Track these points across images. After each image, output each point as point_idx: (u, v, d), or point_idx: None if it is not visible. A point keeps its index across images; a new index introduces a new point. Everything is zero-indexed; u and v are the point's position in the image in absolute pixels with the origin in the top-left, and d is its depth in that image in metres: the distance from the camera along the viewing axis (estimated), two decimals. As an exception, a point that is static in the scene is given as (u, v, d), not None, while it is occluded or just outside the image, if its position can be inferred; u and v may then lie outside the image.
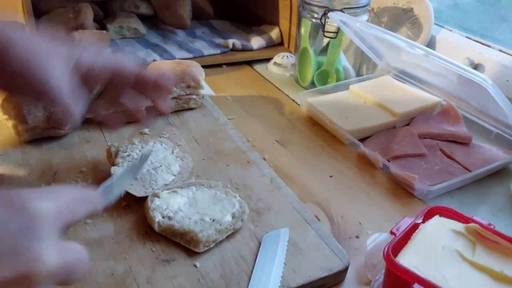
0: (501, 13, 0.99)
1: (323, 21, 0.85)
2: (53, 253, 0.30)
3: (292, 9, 1.06)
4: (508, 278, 0.43)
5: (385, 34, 0.73)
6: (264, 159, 0.69)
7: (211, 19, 1.24)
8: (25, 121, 0.65)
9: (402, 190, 0.66)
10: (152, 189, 0.56)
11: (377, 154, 0.69)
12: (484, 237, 0.48)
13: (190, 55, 1.01)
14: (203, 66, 0.85)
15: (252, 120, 0.82)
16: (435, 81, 0.87)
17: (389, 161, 0.69)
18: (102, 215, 0.54)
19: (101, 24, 1.10)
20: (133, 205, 0.55)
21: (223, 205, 0.54)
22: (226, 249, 0.50)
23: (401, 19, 0.97)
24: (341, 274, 0.50)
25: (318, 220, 0.57)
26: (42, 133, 0.67)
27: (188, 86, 0.78)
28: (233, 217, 0.53)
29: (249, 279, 0.47)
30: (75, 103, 0.50)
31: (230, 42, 1.06)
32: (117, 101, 0.57)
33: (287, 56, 1.03)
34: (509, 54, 0.84)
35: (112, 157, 0.60)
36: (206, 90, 0.80)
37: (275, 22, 1.14)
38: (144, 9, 1.18)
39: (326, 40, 0.91)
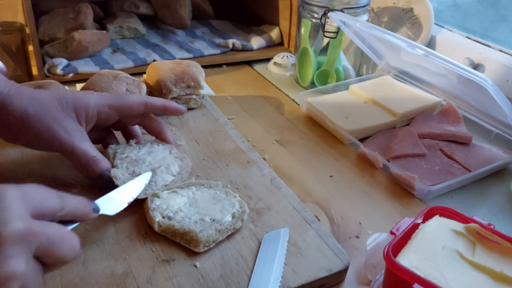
0: (501, 13, 0.99)
1: (323, 21, 0.85)
2: (19, 220, 0.34)
3: (292, 9, 1.06)
4: (508, 278, 0.43)
5: (385, 34, 0.73)
6: (264, 159, 0.69)
7: (211, 19, 1.24)
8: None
9: (402, 190, 0.66)
10: (152, 189, 0.56)
11: (377, 154, 0.69)
12: (484, 237, 0.48)
13: (190, 55, 1.01)
14: (203, 66, 0.85)
15: (252, 120, 0.82)
16: (435, 81, 0.87)
17: (389, 161, 0.69)
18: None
19: (101, 24, 1.10)
20: (133, 205, 0.55)
21: (223, 205, 0.54)
22: (226, 249, 0.50)
23: (401, 19, 0.97)
24: (341, 274, 0.50)
25: (318, 220, 0.57)
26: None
27: (188, 86, 0.78)
28: (233, 217, 0.53)
29: (249, 279, 0.47)
30: (93, 150, 0.56)
31: (230, 42, 1.06)
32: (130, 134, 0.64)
33: (287, 56, 1.03)
34: (509, 54, 0.84)
35: (110, 159, 0.59)
36: (206, 90, 0.80)
37: (275, 22, 1.14)
38: (144, 9, 1.18)
39: (326, 40, 0.91)
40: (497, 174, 0.70)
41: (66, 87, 0.78)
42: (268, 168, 0.65)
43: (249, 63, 1.06)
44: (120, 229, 0.53)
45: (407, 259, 0.44)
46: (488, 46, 0.87)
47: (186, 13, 1.16)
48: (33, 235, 0.34)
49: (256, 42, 1.07)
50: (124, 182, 0.54)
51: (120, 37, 1.08)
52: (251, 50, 1.07)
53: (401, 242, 0.47)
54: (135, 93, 0.74)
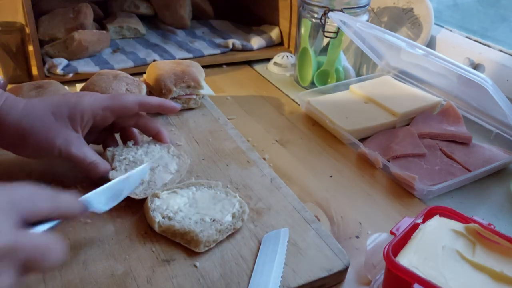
0: (501, 13, 0.99)
1: (323, 21, 0.85)
2: (3, 235, 0.33)
3: (292, 9, 1.06)
4: (508, 278, 0.43)
5: (385, 34, 0.73)
6: (264, 159, 0.69)
7: (211, 19, 1.24)
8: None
9: (402, 190, 0.66)
10: (152, 190, 0.56)
11: (377, 154, 0.69)
12: (484, 237, 0.48)
13: (190, 55, 1.01)
14: (203, 66, 0.85)
15: (252, 120, 0.82)
16: (435, 81, 0.87)
17: (389, 161, 0.69)
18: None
19: (101, 24, 1.10)
20: (133, 205, 0.55)
21: (223, 205, 0.54)
22: (226, 249, 0.50)
23: (401, 19, 0.97)
24: (341, 274, 0.50)
25: (318, 220, 0.57)
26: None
27: (188, 86, 0.78)
28: (233, 217, 0.53)
29: (249, 279, 0.47)
30: (92, 155, 0.56)
31: (230, 42, 1.06)
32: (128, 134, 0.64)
33: (287, 56, 1.03)
34: (509, 54, 0.84)
35: (109, 161, 0.59)
36: (206, 90, 0.80)
37: (275, 22, 1.14)
38: (144, 9, 1.18)
39: (326, 40, 0.91)
40: (497, 174, 0.70)
41: (66, 87, 0.78)
42: (268, 168, 0.65)
43: (249, 63, 1.06)
44: (120, 229, 0.53)
45: (407, 259, 0.44)
46: (488, 46, 0.87)
47: (186, 13, 1.16)
48: (19, 249, 0.34)
49: (256, 42, 1.07)
50: None
51: (120, 37, 1.08)
52: (251, 50, 1.07)
53: (401, 242, 0.47)
54: (135, 93, 0.74)
